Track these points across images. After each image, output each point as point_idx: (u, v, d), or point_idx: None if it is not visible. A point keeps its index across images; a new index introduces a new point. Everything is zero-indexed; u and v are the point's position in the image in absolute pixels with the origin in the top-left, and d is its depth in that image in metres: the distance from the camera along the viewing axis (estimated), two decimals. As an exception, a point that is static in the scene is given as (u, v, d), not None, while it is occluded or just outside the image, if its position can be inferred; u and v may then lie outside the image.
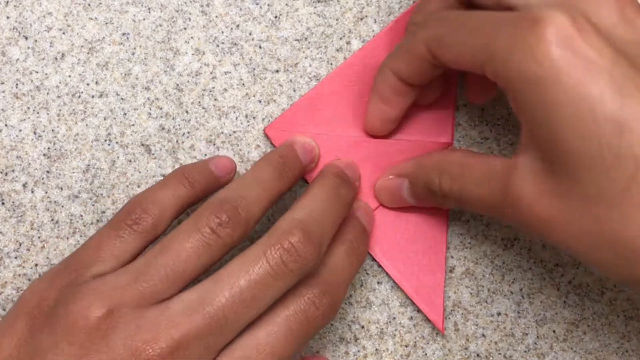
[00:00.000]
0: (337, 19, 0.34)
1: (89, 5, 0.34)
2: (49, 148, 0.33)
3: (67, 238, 0.32)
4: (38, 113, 0.33)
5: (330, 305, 0.26)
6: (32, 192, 0.33)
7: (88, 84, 0.33)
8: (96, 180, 0.33)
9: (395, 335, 0.32)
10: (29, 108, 0.33)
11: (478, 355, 0.32)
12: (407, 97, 0.31)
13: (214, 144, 0.33)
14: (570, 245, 0.24)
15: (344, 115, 0.33)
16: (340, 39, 0.34)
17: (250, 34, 0.34)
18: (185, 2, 0.34)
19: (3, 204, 0.32)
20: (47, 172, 0.33)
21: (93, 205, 0.32)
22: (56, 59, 0.34)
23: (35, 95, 0.33)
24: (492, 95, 0.32)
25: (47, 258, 0.32)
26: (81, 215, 0.32)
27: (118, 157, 0.33)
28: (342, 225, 0.29)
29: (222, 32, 0.34)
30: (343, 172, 0.30)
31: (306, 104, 0.33)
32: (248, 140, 0.33)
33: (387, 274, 0.32)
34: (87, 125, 0.33)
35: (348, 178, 0.30)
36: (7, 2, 0.34)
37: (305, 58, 0.34)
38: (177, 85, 0.34)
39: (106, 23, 0.34)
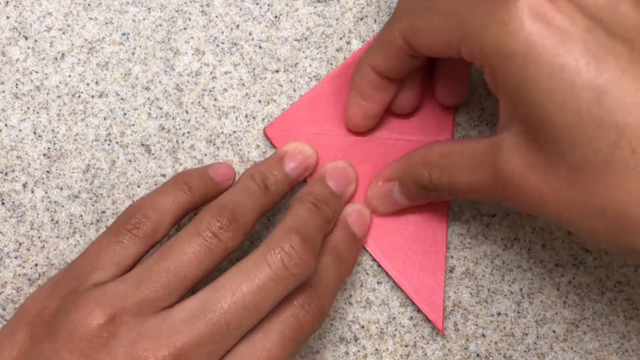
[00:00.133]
0: (337, 19, 0.34)
1: (89, 5, 0.34)
2: (49, 148, 0.33)
3: (67, 238, 0.32)
4: (38, 113, 0.33)
5: (319, 310, 0.27)
6: (32, 192, 0.33)
7: (88, 84, 0.33)
8: (96, 180, 0.33)
9: (395, 335, 0.32)
10: (29, 108, 0.33)
11: (478, 355, 0.32)
12: (386, 92, 0.30)
13: (214, 144, 0.33)
14: (563, 218, 0.24)
15: (344, 115, 0.33)
16: (340, 39, 0.34)
17: (250, 34, 0.34)
18: (185, 2, 0.34)
19: (3, 204, 0.32)
20: (47, 172, 0.33)
21: (93, 205, 0.32)
22: (56, 59, 0.34)
23: (35, 95, 0.33)
24: (462, 96, 0.32)
25: (47, 258, 0.32)
26: (81, 215, 0.32)
27: (118, 157, 0.33)
28: (332, 233, 0.30)
29: (222, 32, 0.34)
30: (323, 191, 0.30)
31: (306, 104, 0.33)
32: (248, 140, 0.33)
33: (387, 274, 0.32)
34: (87, 125, 0.33)
35: (327, 197, 0.30)
36: (7, 2, 0.34)
37: (305, 58, 0.34)
38: (177, 85, 0.34)
39: (106, 23, 0.34)
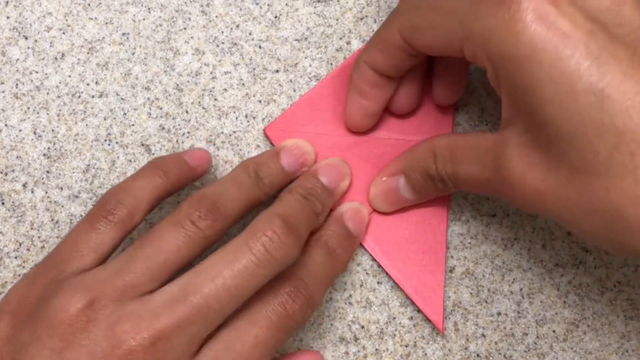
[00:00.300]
0: (337, 19, 0.34)
1: (89, 5, 0.34)
2: (49, 148, 0.33)
3: (67, 238, 0.32)
4: (38, 113, 0.33)
5: (307, 300, 0.27)
6: (32, 192, 0.33)
7: (88, 84, 0.33)
8: (96, 180, 0.33)
9: (395, 335, 0.32)
10: (29, 108, 0.33)
11: (478, 355, 0.32)
12: (385, 90, 0.30)
13: (214, 144, 0.33)
14: (562, 217, 0.24)
15: (343, 115, 0.33)
16: (340, 39, 0.34)
17: (250, 34, 0.34)
18: (185, 2, 0.34)
19: (3, 204, 0.32)
20: (47, 172, 0.33)
21: (93, 205, 0.32)
22: (56, 59, 0.34)
23: (35, 95, 0.33)
24: (459, 95, 0.32)
25: (47, 258, 0.32)
26: (81, 215, 0.32)
27: (118, 157, 0.33)
28: (325, 229, 0.30)
29: (222, 32, 0.34)
30: (314, 185, 0.30)
31: (306, 104, 0.33)
32: (248, 140, 0.33)
33: (387, 274, 0.32)
34: (87, 125, 0.33)
35: (318, 191, 0.30)
36: (7, 2, 0.34)
37: (305, 58, 0.34)
38: (177, 85, 0.34)
39: (106, 23, 0.34)
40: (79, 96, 0.33)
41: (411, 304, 0.32)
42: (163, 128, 0.33)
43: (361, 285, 0.32)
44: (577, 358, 0.32)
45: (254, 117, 0.33)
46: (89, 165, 0.33)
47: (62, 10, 0.34)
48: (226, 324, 0.26)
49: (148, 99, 0.33)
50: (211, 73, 0.34)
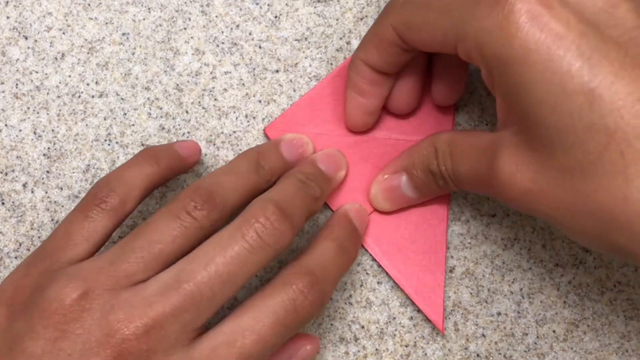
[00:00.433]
0: (337, 19, 0.34)
1: (89, 5, 0.34)
2: (49, 148, 0.33)
3: (67, 238, 0.32)
4: (38, 113, 0.33)
5: (319, 297, 0.26)
6: (32, 192, 0.33)
7: (88, 84, 0.33)
8: (96, 180, 0.33)
9: (395, 335, 0.32)
10: (29, 108, 0.33)
11: (478, 355, 0.32)
12: (382, 86, 0.31)
13: (214, 144, 0.33)
14: (553, 217, 0.25)
15: (343, 115, 0.33)
16: (340, 39, 0.34)
17: (250, 34, 0.34)
18: (185, 2, 0.34)
19: (3, 204, 0.32)
20: (47, 172, 0.33)
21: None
22: (56, 59, 0.34)
23: (35, 95, 0.33)
24: (459, 95, 0.32)
25: (47, 258, 0.32)
26: (81, 215, 0.32)
27: (118, 157, 0.33)
28: (333, 224, 0.30)
29: (222, 32, 0.34)
30: (312, 170, 0.30)
31: (306, 104, 0.33)
32: (248, 140, 0.33)
33: (387, 274, 0.32)
34: (87, 125, 0.33)
35: (316, 176, 0.30)
36: (7, 2, 0.34)
37: (305, 58, 0.34)
38: (177, 85, 0.34)
39: (106, 23, 0.34)
40: (79, 96, 0.33)
41: (411, 304, 0.32)
42: (163, 128, 0.33)
43: (361, 285, 0.32)
44: (577, 358, 0.32)
45: (254, 117, 0.33)
46: (89, 165, 0.33)
47: (62, 10, 0.34)
48: (230, 315, 0.25)
49: (148, 99, 0.33)
50: (211, 73, 0.34)
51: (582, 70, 0.22)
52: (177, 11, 0.34)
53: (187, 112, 0.33)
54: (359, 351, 0.32)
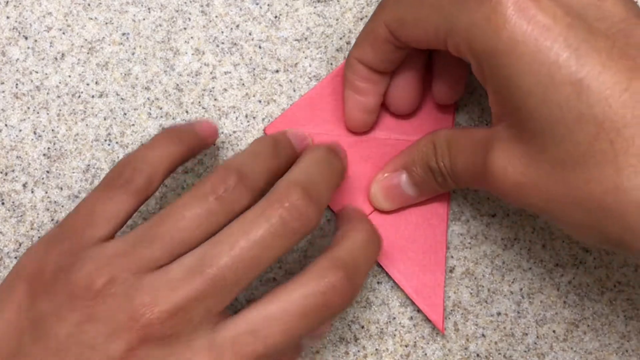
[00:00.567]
0: (337, 19, 0.34)
1: (89, 5, 0.34)
2: (49, 148, 0.33)
3: (67, 238, 0.32)
4: (38, 113, 0.33)
5: (351, 292, 0.25)
6: (32, 192, 0.33)
7: (88, 84, 0.33)
8: (96, 180, 0.33)
9: (395, 335, 0.32)
10: (29, 108, 0.33)
11: (478, 355, 0.32)
12: (379, 84, 0.31)
13: (214, 144, 0.33)
14: (545, 209, 0.25)
15: (343, 115, 0.33)
16: (340, 39, 0.34)
17: (250, 34, 0.34)
18: (185, 2, 0.34)
19: (3, 204, 0.32)
20: (47, 172, 0.33)
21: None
22: (56, 59, 0.34)
23: (35, 95, 0.33)
24: (460, 93, 0.32)
25: (47, 258, 0.32)
26: (81, 215, 0.32)
27: (118, 157, 0.33)
28: (357, 219, 0.29)
29: (222, 32, 0.34)
30: (333, 146, 0.29)
31: (306, 104, 0.33)
32: (248, 140, 0.33)
33: (387, 274, 0.32)
34: (87, 125, 0.33)
35: (338, 151, 0.29)
36: (7, 2, 0.34)
37: (305, 58, 0.34)
38: (177, 85, 0.34)
39: (106, 23, 0.34)
40: (79, 96, 0.33)
41: (411, 304, 0.32)
42: (163, 128, 0.33)
43: (361, 285, 0.32)
44: (577, 358, 0.32)
45: (254, 117, 0.33)
46: (89, 165, 0.33)
47: (62, 10, 0.34)
48: (257, 302, 0.25)
49: (148, 99, 0.33)
50: (211, 73, 0.34)
51: (570, 61, 0.22)
52: (177, 11, 0.34)
53: (187, 112, 0.33)
54: (359, 351, 0.32)
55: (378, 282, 0.32)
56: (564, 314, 0.32)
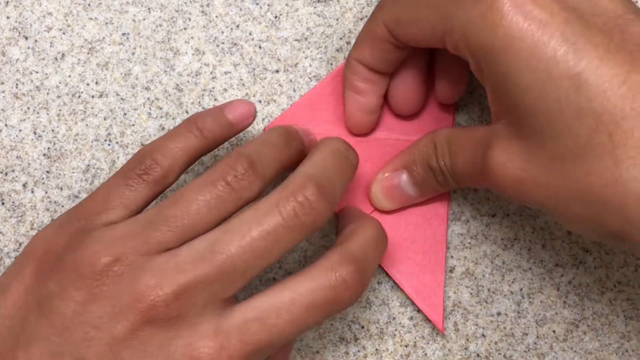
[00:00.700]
0: (337, 19, 0.34)
1: (89, 5, 0.34)
2: (49, 148, 0.33)
3: (67, 238, 0.32)
4: (38, 113, 0.33)
5: (360, 287, 0.25)
6: (32, 192, 0.33)
7: (88, 84, 0.33)
8: (96, 180, 0.33)
9: (395, 335, 0.32)
10: (29, 108, 0.33)
11: (478, 355, 0.32)
12: (379, 84, 0.31)
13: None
14: (545, 205, 0.25)
15: (343, 115, 0.33)
16: (340, 39, 0.34)
17: (250, 34, 0.34)
18: (185, 2, 0.34)
19: (3, 204, 0.32)
20: (47, 172, 0.33)
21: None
22: (56, 59, 0.34)
23: (35, 95, 0.33)
24: (462, 92, 0.32)
25: (47, 258, 0.32)
26: (81, 215, 0.32)
27: (118, 157, 0.33)
28: (366, 216, 0.29)
29: (222, 32, 0.34)
30: (343, 140, 0.29)
31: (306, 104, 0.33)
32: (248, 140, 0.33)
33: (387, 274, 0.32)
34: (87, 125, 0.33)
35: (348, 144, 0.29)
36: (7, 2, 0.34)
37: (305, 58, 0.34)
38: (177, 85, 0.34)
39: (106, 23, 0.34)
40: (79, 96, 0.33)
41: (411, 304, 0.32)
42: (163, 128, 0.33)
43: (361, 285, 0.32)
44: (577, 358, 0.32)
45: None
46: (89, 165, 0.33)
47: (62, 10, 0.34)
48: (266, 290, 0.25)
49: (148, 99, 0.33)
50: (211, 73, 0.34)
51: (567, 56, 0.23)
52: (177, 11, 0.34)
53: (187, 112, 0.33)
54: (359, 351, 0.32)
55: (378, 282, 0.32)
56: (564, 314, 0.32)
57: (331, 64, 0.34)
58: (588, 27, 0.23)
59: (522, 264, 0.33)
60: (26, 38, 0.34)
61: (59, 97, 0.33)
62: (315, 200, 0.25)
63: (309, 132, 0.31)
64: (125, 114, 0.33)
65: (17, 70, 0.33)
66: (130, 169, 0.27)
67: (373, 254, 0.27)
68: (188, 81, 0.34)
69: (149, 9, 0.34)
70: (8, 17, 0.34)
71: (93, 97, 0.33)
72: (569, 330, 0.32)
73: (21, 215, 0.32)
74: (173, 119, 0.33)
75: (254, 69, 0.34)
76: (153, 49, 0.34)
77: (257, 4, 0.34)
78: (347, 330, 0.32)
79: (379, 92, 0.31)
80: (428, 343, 0.32)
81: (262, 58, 0.34)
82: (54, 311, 0.24)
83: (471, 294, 0.32)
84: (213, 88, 0.34)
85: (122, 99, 0.33)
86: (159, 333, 0.23)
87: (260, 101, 0.34)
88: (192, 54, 0.34)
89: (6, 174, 0.33)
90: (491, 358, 0.32)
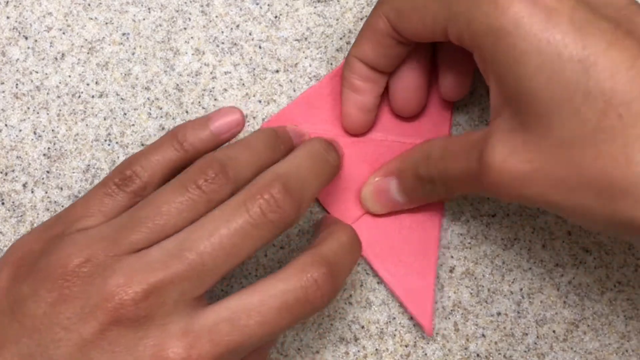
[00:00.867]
0: (337, 19, 0.34)
1: (89, 5, 0.34)
2: (49, 148, 0.33)
3: (67, 238, 0.32)
4: (38, 113, 0.33)
5: (332, 290, 0.25)
6: (32, 192, 0.33)
7: (88, 84, 0.33)
8: (96, 180, 0.33)
9: (395, 335, 0.32)
10: (29, 108, 0.33)
11: (478, 355, 0.32)
12: (377, 84, 0.31)
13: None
14: (549, 197, 0.24)
15: (340, 115, 0.32)
16: (340, 39, 0.34)
17: (250, 34, 0.34)
18: (185, 2, 0.34)
19: (3, 204, 0.32)
20: (47, 172, 0.33)
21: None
22: (56, 59, 0.34)
23: (35, 95, 0.33)
24: (467, 89, 0.32)
25: (47, 258, 0.32)
26: (81, 215, 0.32)
27: (118, 157, 0.33)
28: (341, 223, 0.29)
29: (222, 32, 0.34)
30: (331, 141, 0.29)
31: (304, 103, 0.33)
32: (248, 140, 0.33)
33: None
34: (87, 125, 0.33)
35: (335, 146, 0.29)
36: (7, 2, 0.34)
37: (305, 58, 0.34)
38: (177, 85, 0.34)
39: (106, 23, 0.34)
40: (79, 96, 0.33)
41: (411, 304, 0.32)
42: (163, 128, 0.33)
43: (361, 285, 0.32)
44: (577, 358, 0.32)
45: (254, 117, 0.33)
46: (89, 165, 0.33)
47: (62, 10, 0.34)
48: (238, 292, 0.25)
49: (148, 99, 0.33)
50: (211, 73, 0.34)
51: (576, 39, 0.23)
52: (177, 11, 0.34)
53: (187, 112, 0.33)
54: (359, 351, 0.32)
55: (378, 282, 0.32)
56: (564, 314, 0.32)
57: (331, 64, 0.34)
58: (595, 13, 0.23)
59: (522, 264, 0.33)
60: (26, 38, 0.34)
61: (59, 97, 0.33)
62: (282, 198, 0.25)
63: (301, 132, 0.31)
64: (125, 114, 0.33)
65: (17, 70, 0.33)
66: (111, 179, 0.27)
67: (346, 258, 0.27)
68: (188, 81, 0.34)
69: (149, 9, 0.34)
70: (8, 17, 0.34)
71: (93, 97, 0.33)
72: (569, 330, 0.32)
73: (21, 215, 0.32)
74: (173, 119, 0.33)
75: (254, 69, 0.34)
76: (153, 49, 0.34)
77: (257, 4, 0.34)
78: (347, 330, 0.32)
79: (377, 91, 0.31)
80: (428, 343, 0.32)
81: (262, 58, 0.34)
82: (26, 313, 0.24)
83: (471, 294, 0.32)
84: (213, 88, 0.34)
85: (122, 99, 0.33)
86: (128, 333, 0.23)
87: (260, 101, 0.34)
88: (192, 54, 0.34)
89: (6, 174, 0.33)
90: (491, 358, 0.32)
